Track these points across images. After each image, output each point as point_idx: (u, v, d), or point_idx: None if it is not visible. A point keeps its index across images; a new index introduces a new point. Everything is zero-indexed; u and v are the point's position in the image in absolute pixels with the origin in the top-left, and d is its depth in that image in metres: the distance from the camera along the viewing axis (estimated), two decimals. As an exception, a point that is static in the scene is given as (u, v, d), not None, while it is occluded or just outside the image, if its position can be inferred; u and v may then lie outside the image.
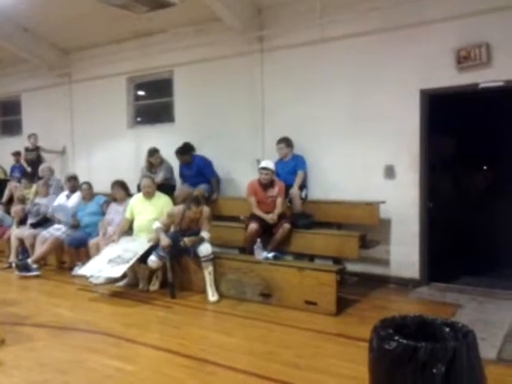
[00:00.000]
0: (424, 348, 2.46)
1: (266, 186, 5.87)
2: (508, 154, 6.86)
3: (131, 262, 5.45)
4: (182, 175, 7.11)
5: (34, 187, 7.89)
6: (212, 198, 6.80)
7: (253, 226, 5.68)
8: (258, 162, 6.20)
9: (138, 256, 5.49)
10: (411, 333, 2.76)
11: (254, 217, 5.81)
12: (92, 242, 6.31)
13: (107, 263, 5.55)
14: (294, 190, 6.04)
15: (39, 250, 6.70)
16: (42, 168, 8.34)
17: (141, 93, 8.71)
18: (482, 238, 6.80)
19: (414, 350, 2.48)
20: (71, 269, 6.64)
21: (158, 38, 7.77)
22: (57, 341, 4.18)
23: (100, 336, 4.27)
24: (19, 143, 9.67)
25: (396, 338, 2.56)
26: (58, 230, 6.80)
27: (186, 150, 6.88)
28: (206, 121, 7.41)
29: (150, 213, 5.93)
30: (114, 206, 6.44)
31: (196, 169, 6.88)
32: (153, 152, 7.06)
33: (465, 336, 2.65)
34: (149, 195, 6.02)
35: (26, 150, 9.24)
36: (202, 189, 6.63)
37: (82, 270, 5.86)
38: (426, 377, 2.45)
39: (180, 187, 6.97)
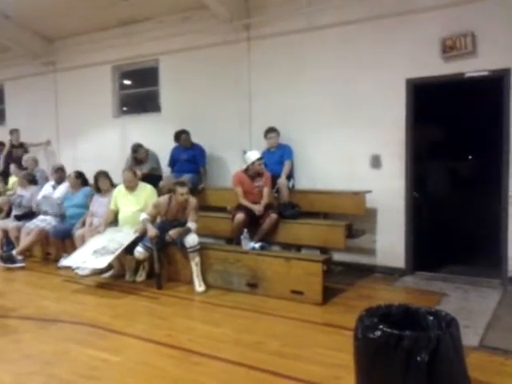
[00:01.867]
0: (408, 337, 2.50)
1: (253, 176, 5.86)
2: (494, 143, 6.91)
3: (116, 253, 5.41)
4: (173, 161, 7.06)
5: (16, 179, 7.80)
6: (199, 188, 6.78)
7: (240, 216, 5.67)
8: (245, 152, 6.18)
9: (123, 247, 5.46)
10: (396, 321, 2.79)
11: (241, 207, 5.79)
12: (77, 233, 6.26)
13: (92, 254, 5.50)
14: (282, 180, 6.04)
15: (24, 241, 6.64)
16: (25, 159, 8.22)
17: (126, 82, 8.60)
18: (467, 226, 6.88)
19: (398, 339, 2.51)
20: (56, 260, 6.60)
21: (143, 26, 7.66)
22: (43, 333, 4.15)
23: (86, 327, 4.25)
24: (2, 133, 9.51)
25: (380, 326, 2.59)
26: (43, 221, 6.74)
27: (188, 133, 6.94)
28: (192, 110, 7.35)
29: (133, 205, 5.89)
30: (97, 198, 6.39)
31: (193, 154, 6.89)
32: (136, 148, 7.03)
33: (448, 324, 2.69)
34: (131, 189, 5.98)
35: (13, 146, 9.02)
36: (186, 178, 6.56)
37: (67, 261, 5.81)
38: (411, 365, 2.48)
39: (165, 178, 6.90)
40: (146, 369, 3.42)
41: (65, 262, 5.88)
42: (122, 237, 5.63)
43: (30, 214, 7.11)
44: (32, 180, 7.55)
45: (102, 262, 5.38)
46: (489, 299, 4.82)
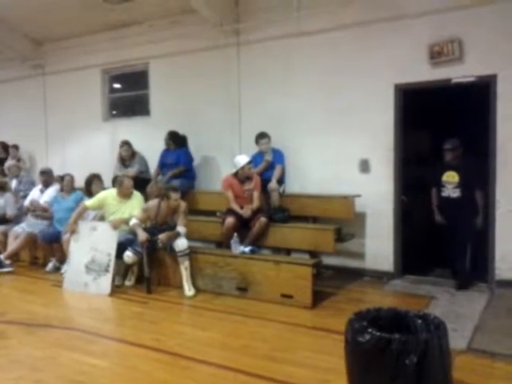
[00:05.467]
0: (397, 340, 2.52)
1: (243, 180, 5.86)
2: (481, 147, 6.98)
3: (111, 270, 5.41)
4: (161, 163, 7.00)
5: None
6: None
7: (230, 220, 5.67)
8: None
9: (113, 258, 5.44)
10: (385, 325, 2.81)
11: (231, 211, 5.79)
12: (65, 237, 6.19)
13: (86, 273, 5.51)
14: (272, 184, 6.02)
15: (12, 245, 6.58)
16: (8, 166, 8.08)
17: (116, 85, 8.57)
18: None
19: (387, 342, 2.53)
20: (44, 265, 6.56)
21: (133, 30, 7.64)
22: (30, 338, 4.12)
23: (74, 332, 4.22)
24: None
25: (370, 330, 2.61)
26: (31, 226, 6.68)
27: (172, 137, 6.86)
28: (182, 114, 7.34)
29: (124, 213, 5.85)
30: (87, 201, 6.34)
31: (177, 156, 6.81)
32: (123, 143, 7.03)
33: (436, 327, 2.71)
34: (126, 196, 5.95)
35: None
36: (175, 184, 6.51)
37: (67, 285, 5.63)
38: (400, 367, 2.50)
39: (152, 183, 6.80)
40: (134, 373, 3.39)
41: (65, 285, 5.65)
42: (104, 243, 5.55)
43: (3, 221, 7.05)
44: (2, 187, 7.39)
45: (105, 287, 5.37)
46: (476, 303, 4.86)
